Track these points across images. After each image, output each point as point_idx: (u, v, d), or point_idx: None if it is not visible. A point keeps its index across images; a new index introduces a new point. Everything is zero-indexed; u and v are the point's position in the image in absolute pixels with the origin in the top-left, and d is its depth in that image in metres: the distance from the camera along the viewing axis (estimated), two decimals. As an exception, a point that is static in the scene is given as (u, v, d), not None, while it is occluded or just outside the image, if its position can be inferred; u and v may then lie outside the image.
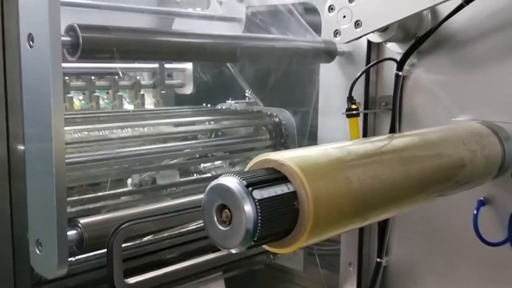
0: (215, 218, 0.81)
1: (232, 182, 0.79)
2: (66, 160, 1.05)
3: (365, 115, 1.61)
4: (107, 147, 1.38)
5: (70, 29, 1.10)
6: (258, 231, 0.78)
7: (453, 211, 1.48)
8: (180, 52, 1.29)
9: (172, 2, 2.18)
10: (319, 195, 0.83)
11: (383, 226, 1.60)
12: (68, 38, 1.10)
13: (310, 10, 1.75)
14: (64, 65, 1.86)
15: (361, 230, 1.67)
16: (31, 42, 1.04)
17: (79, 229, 1.14)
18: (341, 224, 0.89)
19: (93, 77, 1.89)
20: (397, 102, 1.53)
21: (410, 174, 1.08)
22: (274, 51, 1.50)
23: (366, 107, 1.61)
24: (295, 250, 0.86)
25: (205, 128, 1.74)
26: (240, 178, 0.79)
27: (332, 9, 1.37)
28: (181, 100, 2.20)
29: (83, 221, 1.15)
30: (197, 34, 1.31)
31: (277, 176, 0.83)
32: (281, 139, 1.85)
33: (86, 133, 1.43)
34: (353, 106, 1.50)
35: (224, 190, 0.79)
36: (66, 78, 1.83)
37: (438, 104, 1.50)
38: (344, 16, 1.35)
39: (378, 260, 1.62)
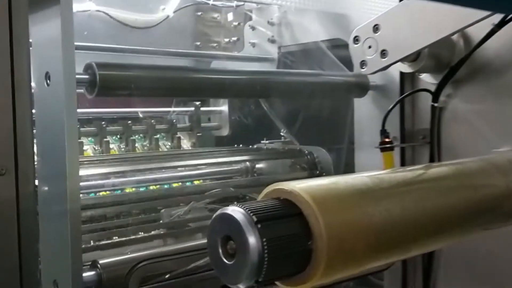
0: (220, 250, 0.76)
1: (237, 212, 0.74)
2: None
3: (402, 149, 1.53)
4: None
5: (88, 67, 1.10)
6: (265, 266, 0.72)
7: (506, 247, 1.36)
8: (202, 89, 1.27)
9: (209, 47, 2.21)
10: (335, 229, 0.77)
11: (428, 264, 1.49)
12: (86, 76, 1.10)
13: (342, 46, 1.72)
14: (101, 110, 1.96)
15: (404, 267, 1.56)
16: (48, 81, 1.04)
17: (98, 270, 1.11)
18: (360, 262, 0.82)
19: (129, 122, 1.91)
20: (435, 135, 1.46)
21: (441, 206, 1.00)
22: (306, 85, 1.47)
23: (402, 141, 1.53)
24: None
25: (239, 168, 1.70)
26: (247, 209, 0.74)
27: (357, 40, 1.33)
28: (220, 142, 2.19)
29: (102, 261, 1.12)
30: (220, 70, 1.30)
31: (288, 207, 0.78)
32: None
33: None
34: (387, 140, 1.43)
35: (229, 220, 0.74)
36: (103, 123, 1.86)
37: (478, 135, 1.41)
38: (370, 47, 1.31)
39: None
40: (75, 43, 1.22)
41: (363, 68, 1.33)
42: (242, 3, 2.06)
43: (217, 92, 1.34)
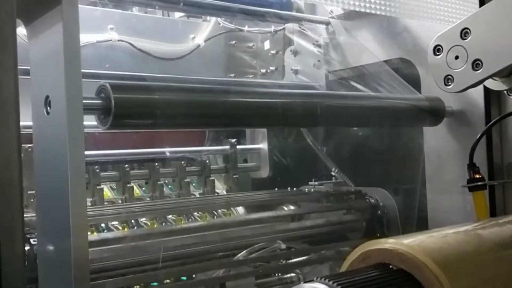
0: None
1: (322, 292, 0.46)
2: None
3: (491, 188, 1.23)
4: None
5: (101, 90, 0.85)
6: None
7: None
8: (245, 116, 1.01)
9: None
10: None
11: None
12: (98, 101, 0.85)
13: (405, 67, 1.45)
14: (123, 151, 1.71)
15: None
16: (48, 108, 0.80)
17: None
18: None
19: (156, 164, 1.66)
20: (534, 169, 1.16)
21: None
22: (364, 111, 1.19)
23: (491, 178, 1.24)
24: None
25: (282, 215, 1.42)
26: (337, 284, 0.46)
27: (439, 50, 1.06)
28: (259, 185, 1.91)
29: None
30: (267, 93, 1.03)
31: (400, 280, 0.49)
32: (381, 226, 1.48)
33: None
34: (477, 176, 1.14)
35: (309, 306, 0.46)
36: (126, 166, 1.61)
37: None
38: (457, 57, 1.03)
39: None
40: (89, 70, 0.99)
41: (448, 85, 1.05)
42: (281, 27, 1.82)
43: (264, 120, 1.07)
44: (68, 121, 0.76)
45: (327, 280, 0.46)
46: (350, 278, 0.47)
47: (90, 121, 0.98)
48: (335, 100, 1.21)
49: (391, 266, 0.51)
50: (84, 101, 0.80)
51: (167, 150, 1.70)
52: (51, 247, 0.81)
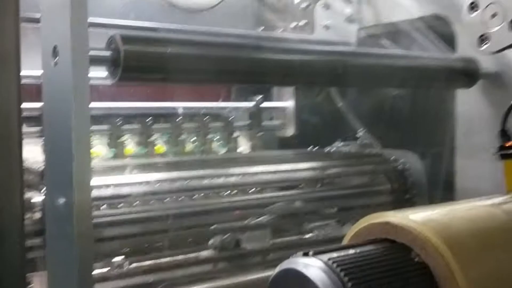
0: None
1: (315, 269, 0.42)
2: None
3: (524, 157, 1.17)
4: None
5: (111, 41, 0.82)
6: None
7: None
8: (263, 73, 0.96)
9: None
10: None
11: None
12: (106, 53, 0.82)
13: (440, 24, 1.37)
14: (144, 105, 1.69)
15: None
16: (56, 58, 0.77)
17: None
18: None
19: (178, 119, 1.63)
20: None
21: None
22: (394, 71, 1.13)
23: (525, 145, 1.17)
24: None
25: (305, 177, 1.39)
26: (332, 262, 0.43)
27: (474, 7, 0.98)
28: (284, 143, 1.88)
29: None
30: (286, 49, 0.98)
31: (402, 257, 0.45)
32: (406, 191, 1.43)
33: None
34: (509, 143, 1.08)
35: (300, 283, 0.43)
36: (148, 119, 1.59)
37: None
38: (494, 15, 0.96)
39: None
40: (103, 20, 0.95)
41: (483, 45, 0.98)
42: (313, -21, 1.74)
43: (282, 78, 1.02)
44: (73, 72, 0.73)
45: (321, 254, 0.43)
46: (346, 254, 0.43)
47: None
48: (363, 59, 1.15)
49: (395, 243, 0.47)
50: (92, 53, 0.77)
51: (189, 105, 1.67)
52: (57, 200, 0.80)
